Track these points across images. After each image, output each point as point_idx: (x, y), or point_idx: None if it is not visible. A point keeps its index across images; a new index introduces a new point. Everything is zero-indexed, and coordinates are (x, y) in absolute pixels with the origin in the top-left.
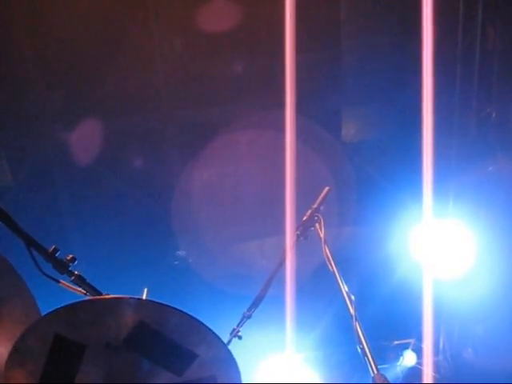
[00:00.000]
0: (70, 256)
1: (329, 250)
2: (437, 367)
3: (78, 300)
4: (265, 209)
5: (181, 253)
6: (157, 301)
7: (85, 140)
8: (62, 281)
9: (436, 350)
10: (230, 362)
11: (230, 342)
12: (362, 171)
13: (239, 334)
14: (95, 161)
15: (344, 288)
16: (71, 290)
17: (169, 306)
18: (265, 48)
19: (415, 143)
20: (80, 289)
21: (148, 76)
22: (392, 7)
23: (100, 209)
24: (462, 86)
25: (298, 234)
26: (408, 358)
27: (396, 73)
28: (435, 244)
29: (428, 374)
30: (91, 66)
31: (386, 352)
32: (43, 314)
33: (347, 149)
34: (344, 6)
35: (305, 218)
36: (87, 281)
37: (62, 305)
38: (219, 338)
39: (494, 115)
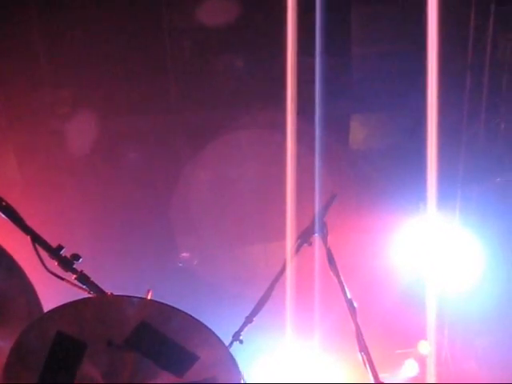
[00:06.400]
0: (74, 254)
1: (332, 256)
2: (439, 378)
3: (81, 298)
4: (269, 213)
5: (185, 255)
6: (160, 301)
7: (89, 139)
8: (66, 278)
9: (438, 361)
10: (232, 364)
11: (231, 344)
12: (369, 178)
13: (241, 338)
14: (99, 160)
15: (347, 295)
16: (75, 287)
17: (171, 307)
18: (271, 51)
19: (423, 152)
20: (84, 287)
21: (157, 76)
22: (403, 16)
23: (104, 209)
24: (471, 96)
25: (301, 240)
26: (409, 368)
27: (406, 81)
28: (440, 254)
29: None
30: (100, 66)
31: (387, 361)
32: (46, 311)
33: (354, 155)
34: (355, 13)
35: (309, 224)
36: (91, 279)
37: (65, 302)
38: (221, 341)
39: (502, 126)
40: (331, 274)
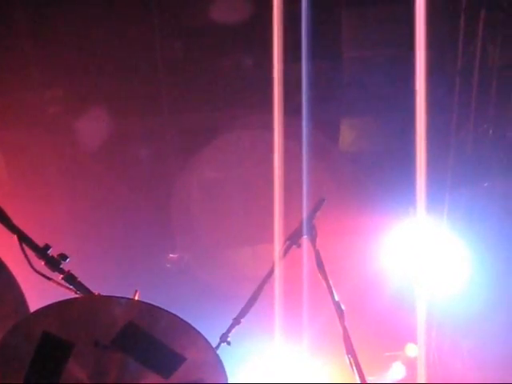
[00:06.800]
0: (62, 254)
1: (321, 259)
2: (427, 379)
3: (67, 298)
4: (258, 214)
5: (173, 256)
6: (147, 302)
7: (78, 139)
8: (52, 278)
9: (427, 363)
10: (218, 366)
11: (218, 346)
12: (358, 181)
13: (228, 339)
14: (88, 160)
15: (335, 298)
16: (62, 287)
17: (159, 308)
18: (261, 54)
19: (412, 156)
20: (71, 287)
21: (149, 77)
22: (392, 22)
23: (93, 209)
24: (460, 102)
25: (290, 242)
26: (397, 371)
27: (395, 85)
28: (429, 257)
29: None
30: (93, 68)
31: (375, 363)
32: (32, 310)
33: (343, 158)
34: (346, 18)
35: (298, 227)
36: (78, 279)
37: (52, 302)
38: (208, 342)
39: (490, 132)
40: (319, 276)
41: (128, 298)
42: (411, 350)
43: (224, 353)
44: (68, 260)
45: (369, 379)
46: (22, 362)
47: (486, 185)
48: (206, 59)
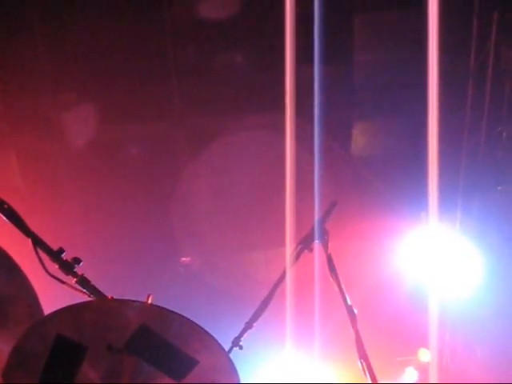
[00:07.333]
0: (75, 257)
1: (333, 263)
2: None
3: (81, 301)
4: (270, 219)
5: (185, 259)
6: (160, 306)
7: (91, 144)
8: (66, 282)
9: (440, 367)
10: (231, 369)
11: (230, 350)
12: (370, 186)
13: (240, 343)
14: (101, 165)
15: (347, 302)
16: (75, 291)
17: (172, 312)
18: (273, 57)
19: (424, 160)
20: (84, 290)
21: (161, 81)
22: (405, 25)
23: (106, 214)
24: (473, 105)
25: (302, 247)
26: (409, 376)
27: (407, 89)
28: (441, 262)
29: None
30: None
31: (388, 368)
32: (46, 314)
33: (355, 162)
34: (357, 21)
35: (309, 231)
36: (91, 283)
37: (66, 306)
38: (221, 346)
39: (504, 135)
40: (331, 280)
41: (141, 302)
42: (424, 355)
43: (236, 357)
44: (81, 263)
45: None
46: (36, 365)
47: (499, 188)
48: (217, 62)
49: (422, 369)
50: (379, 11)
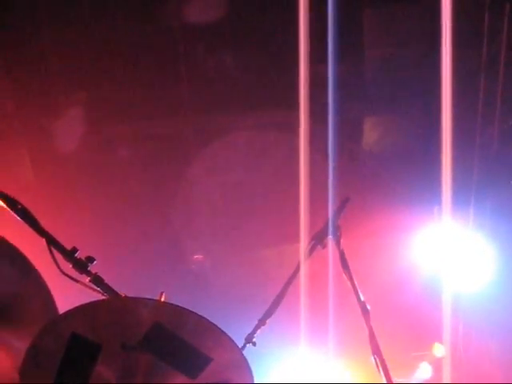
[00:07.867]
0: (89, 256)
1: (345, 259)
2: (454, 379)
3: (95, 300)
4: (283, 215)
5: (198, 257)
6: (173, 304)
7: (103, 144)
8: (80, 280)
9: (453, 362)
10: (245, 367)
11: (244, 347)
12: (383, 181)
13: (254, 340)
14: (113, 164)
15: (360, 298)
16: (89, 289)
17: (185, 309)
18: (284, 54)
19: (437, 155)
20: (98, 289)
21: (171, 80)
22: (417, 19)
23: (118, 212)
24: (486, 99)
25: (315, 242)
26: (424, 371)
27: (419, 83)
28: (455, 257)
29: None
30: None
31: (401, 364)
32: (61, 312)
33: (368, 158)
34: (366, 16)
35: (322, 226)
36: (105, 281)
37: (80, 304)
38: (234, 343)
39: None
40: (344, 276)
41: (154, 300)
42: (438, 350)
43: (249, 354)
44: (95, 262)
45: (395, 380)
46: (52, 364)
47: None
48: (227, 60)
49: (437, 364)
50: (390, 6)
